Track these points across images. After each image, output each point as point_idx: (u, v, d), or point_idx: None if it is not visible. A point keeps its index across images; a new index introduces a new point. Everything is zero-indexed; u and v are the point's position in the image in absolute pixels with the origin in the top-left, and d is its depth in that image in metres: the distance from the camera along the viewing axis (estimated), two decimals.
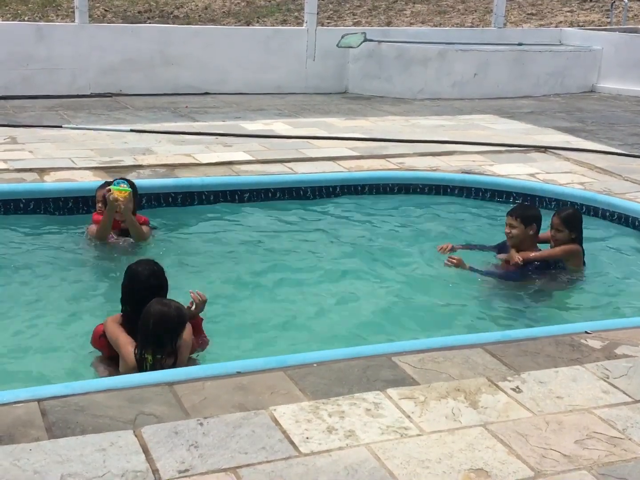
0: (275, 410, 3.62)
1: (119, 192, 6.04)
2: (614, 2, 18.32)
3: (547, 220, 6.12)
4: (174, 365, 4.18)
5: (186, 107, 11.25)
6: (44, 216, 6.90)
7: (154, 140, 8.92)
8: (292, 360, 4.12)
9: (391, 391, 3.83)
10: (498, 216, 7.07)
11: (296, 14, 19.97)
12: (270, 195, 7.62)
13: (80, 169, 7.62)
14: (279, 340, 5.03)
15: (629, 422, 3.65)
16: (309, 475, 3.17)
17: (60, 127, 9.43)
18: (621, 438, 3.52)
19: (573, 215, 6.05)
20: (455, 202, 7.88)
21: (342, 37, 12.83)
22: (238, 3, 21.91)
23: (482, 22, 19.92)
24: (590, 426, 3.61)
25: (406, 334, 5.08)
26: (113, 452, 3.25)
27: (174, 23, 19.17)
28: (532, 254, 5.94)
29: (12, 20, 17.63)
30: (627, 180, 8.07)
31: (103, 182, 6.51)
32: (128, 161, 7.96)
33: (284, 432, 3.45)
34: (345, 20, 20.38)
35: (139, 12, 20.78)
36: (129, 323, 4.37)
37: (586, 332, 4.57)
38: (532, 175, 8.16)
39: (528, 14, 20.78)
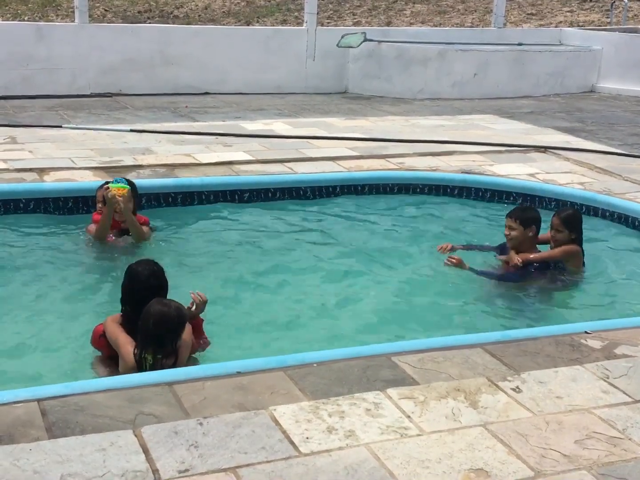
0: (275, 410, 3.62)
1: (117, 189, 6.04)
2: (614, 2, 18.33)
3: (547, 220, 6.12)
4: (174, 365, 4.18)
5: (186, 107, 11.25)
6: (44, 216, 6.89)
7: (154, 140, 8.92)
8: (292, 360, 4.12)
9: (391, 391, 3.83)
10: (498, 216, 7.06)
11: (296, 13, 19.97)
12: (270, 195, 7.62)
13: (80, 168, 7.62)
14: (279, 340, 5.03)
15: (629, 422, 3.65)
16: (308, 475, 3.17)
17: (60, 127, 9.43)
18: (621, 438, 3.52)
19: (573, 215, 6.05)
20: (455, 202, 7.87)
21: (342, 37, 12.83)
22: (238, 3, 21.92)
23: (482, 22, 19.93)
24: (590, 426, 3.61)
25: (406, 334, 5.08)
26: (113, 452, 3.25)
27: (173, 23, 19.17)
28: (532, 256, 5.93)
29: (12, 20, 17.63)
30: (627, 180, 8.07)
31: (103, 182, 6.51)
32: (128, 161, 7.96)
33: (283, 432, 3.45)
34: (345, 20, 20.38)
35: (138, 12, 20.78)
36: (129, 323, 4.37)
37: (586, 332, 4.57)
38: (532, 175, 8.16)
39: (528, 14, 20.78)
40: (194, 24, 18.27)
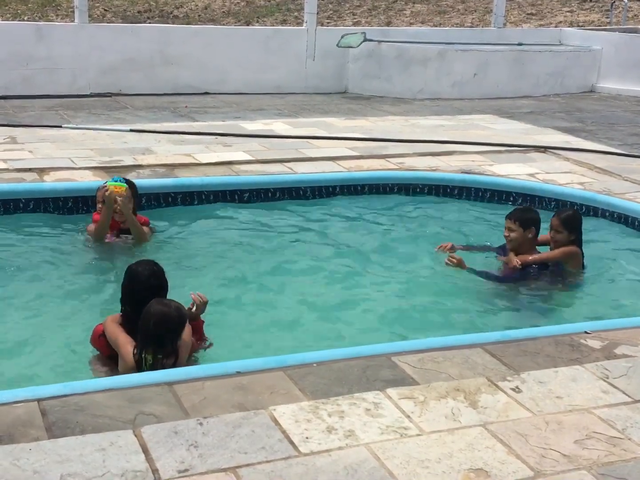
0: (274, 410, 3.62)
1: (115, 187, 6.05)
2: (614, 2, 18.33)
3: (546, 221, 6.12)
4: (174, 365, 4.19)
5: (186, 107, 11.25)
6: (44, 216, 6.89)
7: (154, 140, 8.92)
8: (292, 360, 4.12)
9: (391, 391, 3.83)
10: (498, 216, 7.06)
11: (296, 13, 19.97)
12: (270, 195, 7.62)
13: (80, 168, 7.62)
14: (278, 340, 5.03)
15: (629, 422, 3.66)
16: (308, 475, 3.17)
17: (60, 127, 9.43)
18: (621, 438, 3.53)
19: (573, 216, 6.04)
20: (454, 202, 7.87)
21: (342, 37, 12.83)
22: (238, 3, 21.91)
23: (481, 22, 19.93)
24: (590, 426, 3.61)
25: (406, 334, 5.08)
26: (113, 451, 3.25)
27: (173, 23, 19.17)
28: (530, 258, 5.93)
29: (12, 20, 17.63)
30: (626, 180, 8.07)
31: (104, 182, 6.51)
32: (128, 161, 7.96)
33: (283, 432, 3.46)
34: (345, 20, 20.38)
35: (138, 11, 20.78)
36: (129, 323, 4.37)
37: (586, 332, 4.57)
38: (531, 175, 8.16)
39: (528, 14, 20.78)
40: (194, 24, 18.27)
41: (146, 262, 4.63)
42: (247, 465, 3.22)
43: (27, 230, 6.62)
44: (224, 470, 3.18)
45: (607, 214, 7.33)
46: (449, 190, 7.99)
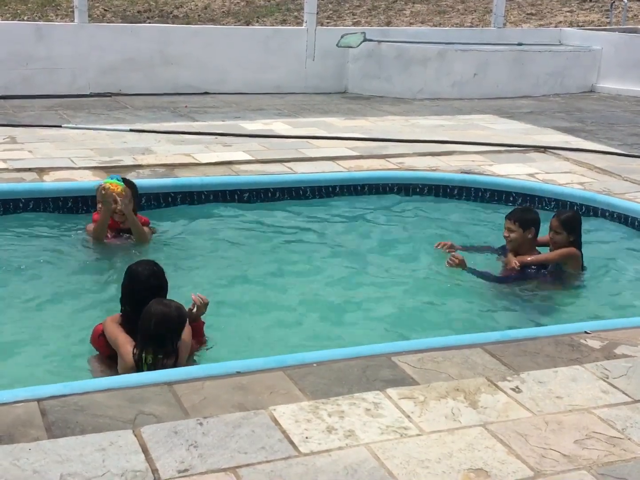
0: (274, 410, 3.62)
1: (112, 185, 6.06)
2: (614, 2, 18.33)
3: (546, 222, 6.12)
4: (173, 365, 4.19)
5: (186, 106, 11.25)
6: (44, 216, 6.89)
7: (154, 140, 8.92)
8: (292, 360, 4.12)
9: (391, 391, 3.83)
10: (497, 216, 7.06)
11: (296, 13, 19.97)
12: (269, 195, 7.62)
13: (79, 168, 7.62)
14: (278, 340, 5.03)
15: (629, 422, 3.66)
16: (308, 475, 3.17)
17: (60, 126, 9.43)
18: (620, 438, 3.53)
19: (572, 217, 6.03)
20: (454, 202, 7.88)
21: (342, 37, 12.83)
22: (237, 3, 21.92)
23: (481, 22, 19.93)
24: (590, 426, 3.61)
25: (406, 334, 5.08)
26: (112, 451, 3.25)
27: (173, 23, 19.18)
28: (529, 258, 5.92)
29: (12, 20, 17.63)
30: (626, 180, 8.07)
31: (102, 181, 6.51)
32: (127, 161, 7.96)
33: (283, 432, 3.46)
34: (344, 20, 20.38)
35: (138, 11, 20.78)
36: (129, 323, 4.37)
37: (585, 332, 4.57)
38: (531, 175, 8.16)
39: (527, 14, 20.78)
40: (194, 24, 18.28)
41: (146, 262, 4.63)
42: (247, 465, 3.22)
43: (27, 230, 6.62)
44: (224, 470, 3.18)
45: (607, 214, 7.33)
46: (448, 190, 7.99)
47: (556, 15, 20.63)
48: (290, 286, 5.86)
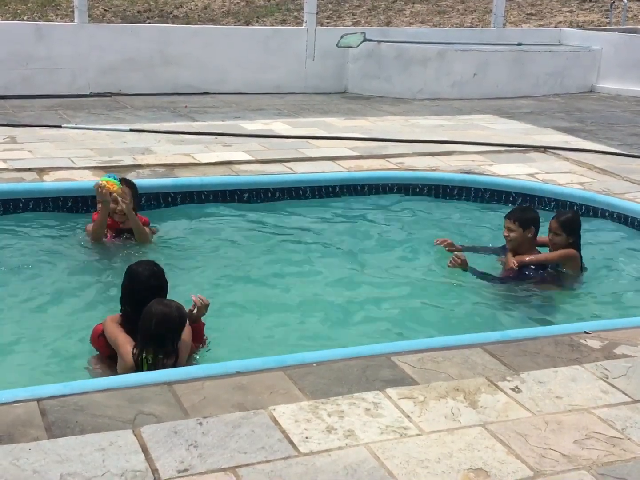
0: (274, 410, 3.62)
1: (108, 182, 6.08)
2: (614, 2, 18.33)
3: (546, 221, 6.12)
4: (173, 365, 4.19)
5: (185, 106, 11.25)
6: (43, 216, 6.89)
7: (154, 140, 8.92)
8: (292, 360, 4.12)
9: (390, 391, 3.83)
10: (497, 216, 7.06)
11: (295, 13, 19.98)
12: (269, 195, 7.62)
13: (79, 168, 7.62)
14: (278, 340, 5.03)
15: (628, 422, 3.66)
16: (308, 475, 3.17)
17: (60, 126, 9.43)
18: (620, 438, 3.53)
19: (572, 219, 6.01)
20: (454, 202, 7.88)
21: (342, 37, 12.83)
22: (237, 3, 21.92)
23: (481, 22, 19.93)
24: (590, 426, 3.61)
25: (405, 334, 5.08)
26: (112, 451, 3.25)
27: (173, 23, 19.18)
28: (527, 258, 5.92)
29: (12, 20, 17.63)
30: (626, 180, 8.07)
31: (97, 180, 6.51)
32: (127, 161, 7.96)
33: (283, 431, 3.46)
34: (344, 20, 20.38)
35: (138, 11, 20.78)
36: (129, 323, 4.37)
37: (585, 332, 4.57)
38: (531, 175, 8.16)
39: (527, 14, 20.78)
40: (194, 24, 18.28)
41: (146, 262, 4.63)
42: (247, 465, 3.22)
43: (27, 230, 6.62)
44: (224, 470, 3.18)
45: (607, 214, 7.33)
46: (448, 190, 7.99)
47: (556, 15, 20.64)
48: (290, 286, 5.86)
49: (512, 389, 3.91)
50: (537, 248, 6.07)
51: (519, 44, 14.08)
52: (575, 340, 4.47)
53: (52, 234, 6.60)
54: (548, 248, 6.07)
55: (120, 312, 4.51)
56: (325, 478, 3.16)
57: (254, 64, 12.61)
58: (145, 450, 3.27)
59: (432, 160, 8.56)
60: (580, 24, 19.32)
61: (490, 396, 3.83)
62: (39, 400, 3.61)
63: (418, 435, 3.49)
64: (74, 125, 9.50)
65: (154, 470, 3.15)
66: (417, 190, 7.98)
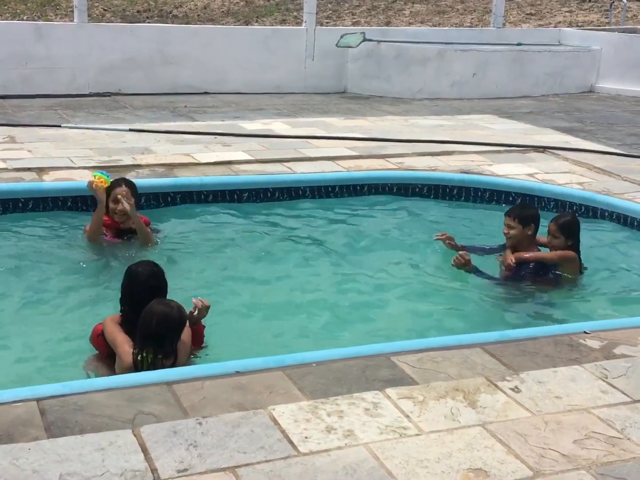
0: (274, 409, 3.62)
1: (98, 177, 6.11)
2: (613, 2, 18.33)
3: (545, 222, 6.12)
4: (172, 365, 4.19)
5: (185, 106, 11.25)
6: (43, 216, 6.89)
7: (153, 140, 8.92)
8: (291, 359, 4.12)
9: (390, 391, 3.83)
10: (497, 216, 7.05)
11: (295, 13, 19.97)
12: (269, 195, 7.62)
13: (79, 168, 7.62)
14: (278, 340, 5.03)
15: (628, 422, 3.66)
16: (307, 475, 3.17)
17: (59, 126, 9.43)
18: (620, 438, 3.53)
19: (570, 222, 6.00)
20: (454, 201, 7.88)
21: (341, 36, 12.83)
22: (237, 3, 21.92)
23: (481, 22, 19.93)
24: (589, 426, 3.61)
25: (405, 334, 5.08)
26: (112, 451, 3.25)
27: (172, 22, 19.17)
28: (526, 255, 5.91)
29: (11, 20, 17.62)
30: (625, 180, 8.07)
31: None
32: (127, 160, 7.96)
33: (282, 431, 3.46)
34: (344, 20, 20.38)
35: (137, 11, 20.78)
36: (128, 323, 4.37)
37: (585, 332, 4.57)
38: (530, 175, 8.16)
39: (527, 14, 20.78)
40: (193, 24, 18.27)
41: (146, 262, 4.63)
42: (247, 464, 3.22)
43: (27, 230, 6.62)
44: (223, 469, 3.18)
45: (606, 214, 7.33)
46: (448, 190, 7.99)
47: (555, 15, 20.64)
48: (290, 286, 5.86)
49: (512, 389, 3.91)
50: (539, 248, 6.06)
51: (519, 44, 14.08)
52: (575, 340, 4.47)
53: (52, 234, 6.59)
54: (548, 249, 6.06)
55: (120, 312, 4.51)
56: (325, 478, 3.16)
57: (254, 64, 12.61)
58: (144, 450, 3.27)
59: (432, 160, 8.56)
60: (579, 24, 19.32)
61: (489, 396, 3.83)
62: (38, 400, 3.60)
63: (417, 435, 3.49)
64: (73, 125, 9.50)
65: (154, 470, 3.15)
66: (417, 190, 7.98)
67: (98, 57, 11.83)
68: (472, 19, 20.60)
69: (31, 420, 3.44)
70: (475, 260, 6.15)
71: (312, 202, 7.63)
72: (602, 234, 7.03)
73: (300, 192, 7.71)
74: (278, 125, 10.07)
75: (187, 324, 4.38)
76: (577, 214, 6.72)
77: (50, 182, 7.20)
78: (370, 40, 12.91)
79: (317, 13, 13.54)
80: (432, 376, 3.99)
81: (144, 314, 4.18)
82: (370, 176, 8.03)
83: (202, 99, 12.01)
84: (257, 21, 20.11)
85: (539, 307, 5.71)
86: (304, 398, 3.74)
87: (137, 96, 11.80)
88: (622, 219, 7.22)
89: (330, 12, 20.95)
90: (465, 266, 5.80)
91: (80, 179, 7.27)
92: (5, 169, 7.48)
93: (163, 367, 4.11)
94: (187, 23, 18.86)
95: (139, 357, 4.14)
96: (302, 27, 13.13)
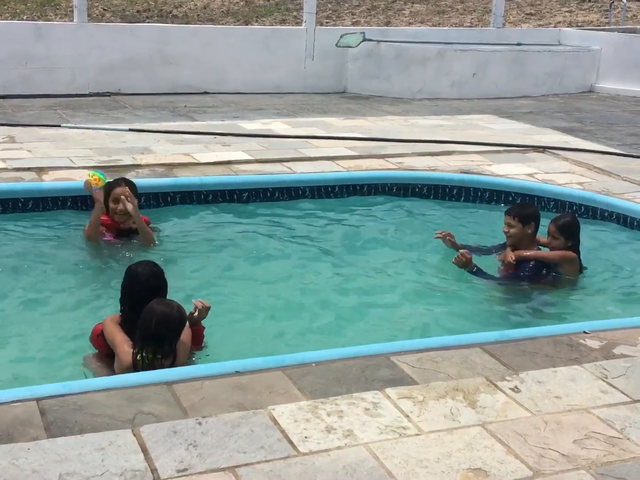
0: (273, 409, 3.62)
1: (92, 176, 6.12)
2: (613, 2, 18.34)
3: (545, 222, 6.11)
4: (171, 366, 4.19)
5: (185, 106, 11.25)
6: (43, 216, 6.89)
7: (153, 140, 8.92)
8: (291, 359, 4.12)
9: (390, 391, 3.83)
10: (497, 216, 7.06)
11: (295, 13, 19.97)
12: (269, 195, 7.61)
13: (78, 168, 7.62)
14: (277, 340, 5.03)
15: (627, 422, 3.66)
16: (307, 475, 3.17)
17: (59, 126, 9.43)
18: (619, 438, 3.53)
19: (570, 223, 5.99)
20: (453, 202, 7.88)
21: (341, 36, 12.83)
22: (237, 2, 21.92)
23: (480, 22, 19.94)
24: (589, 426, 3.61)
25: (404, 334, 5.08)
26: (112, 451, 3.25)
27: (172, 22, 19.17)
28: (526, 253, 5.91)
29: (11, 20, 17.62)
30: (625, 180, 8.07)
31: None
32: (127, 160, 7.96)
33: (282, 431, 3.46)
34: (344, 20, 20.38)
35: (137, 11, 20.78)
36: (128, 323, 4.37)
37: (584, 332, 4.57)
38: (530, 175, 8.16)
39: (527, 14, 20.79)
40: (193, 24, 18.28)
41: (146, 262, 4.63)
42: (246, 464, 3.22)
43: (26, 230, 6.61)
44: (223, 469, 3.18)
45: (606, 214, 7.33)
46: (447, 190, 7.99)
47: (555, 15, 20.64)
48: (290, 286, 5.85)
49: (512, 389, 3.91)
50: (539, 247, 6.06)
51: (519, 44, 14.08)
52: (575, 340, 4.47)
53: (52, 234, 6.59)
54: (548, 249, 6.06)
55: (120, 312, 4.51)
56: (325, 478, 3.16)
57: (254, 64, 12.61)
58: (144, 450, 3.27)
59: (432, 160, 8.57)
60: (579, 24, 19.33)
61: (489, 396, 3.83)
62: (38, 399, 3.60)
63: (417, 435, 3.49)
64: (73, 125, 9.50)
65: (153, 470, 3.15)
66: (417, 190, 7.98)
67: (98, 57, 11.83)
68: (472, 19, 20.61)
69: (31, 420, 3.44)
70: (475, 260, 6.15)
71: (311, 202, 7.63)
72: (602, 234, 7.03)
73: (300, 192, 7.71)
74: (278, 125, 10.07)
75: (187, 324, 4.38)
76: (576, 214, 6.72)
77: (50, 182, 7.20)
78: (370, 40, 12.91)
79: (317, 13, 13.54)
80: (432, 376, 3.99)
81: (143, 313, 4.18)
82: (370, 176, 8.03)
83: (202, 98, 12.01)
84: (256, 21, 20.11)
85: (538, 307, 5.71)
86: (304, 398, 3.74)
87: (136, 96, 11.80)
88: (622, 219, 7.22)
89: (330, 12, 20.95)
90: (466, 264, 5.79)
91: (80, 179, 7.26)
92: (5, 169, 7.48)
93: (162, 367, 4.11)
94: (186, 23, 18.87)
95: (138, 357, 4.15)
96: (302, 27, 13.13)
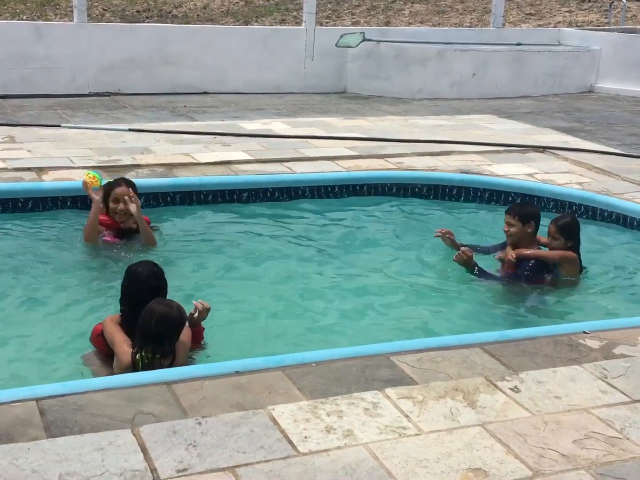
0: (273, 409, 3.62)
1: (89, 176, 6.12)
2: (613, 2, 18.34)
3: (545, 222, 6.11)
4: (171, 365, 4.19)
5: (185, 106, 11.24)
6: (42, 216, 6.89)
7: (153, 140, 8.92)
8: (291, 359, 4.12)
9: (389, 391, 3.83)
10: (496, 216, 7.06)
11: (295, 13, 19.97)
12: (268, 194, 7.62)
13: (78, 168, 7.62)
14: (277, 340, 5.03)
15: (627, 422, 3.66)
16: (307, 475, 3.17)
17: (59, 126, 9.43)
18: (619, 438, 3.53)
19: (570, 223, 5.99)
20: (453, 202, 7.88)
21: (341, 36, 12.83)
22: (237, 2, 21.91)
23: (480, 22, 19.93)
24: (589, 426, 3.61)
25: (404, 334, 5.08)
26: (111, 451, 3.25)
27: (172, 22, 19.17)
28: (527, 251, 5.91)
29: (11, 19, 17.62)
30: (625, 180, 8.07)
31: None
32: (126, 160, 7.96)
33: (282, 431, 3.46)
34: (343, 20, 20.38)
35: (137, 11, 20.77)
36: (128, 323, 4.37)
37: (584, 332, 4.57)
38: (530, 175, 8.16)
39: (527, 14, 20.79)
40: (193, 24, 18.27)
41: (146, 262, 4.63)
42: (246, 464, 3.22)
43: (26, 230, 6.61)
44: (223, 469, 3.18)
45: (606, 214, 7.33)
46: (447, 190, 7.99)
47: (555, 15, 20.64)
48: (289, 286, 5.85)
49: (511, 389, 3.91)
50: (539, 246, 6.05)
51: (518, 44, 14.08)
52: (574, 340, 4.47)
53: (52, 233, 6.59)
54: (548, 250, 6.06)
55: (120, 312, 4.51)
56: (325, 478, 3.16)
57: (253, 64, 12.61)
58: (144, 450, 3.27)
59: (431, 160, 8.57)
60: (579, 24, 19.33)
61: (489, 396, 3.83)
62: (37, 399, 3.60)
63: (417, 435, 3.49)
64: (73, 125, 9.50)
65: (153, 470, 3.15)
66: (416, 190, 7.98)
67: (97, 57, 11.83)
68: (472, 19, 20.61)
69: (30, 420, 3.44)
70: (475, 259, 6.15)
71: (311, 202, 7.63)
72: (601, 234, 7.03)
73: (300, 192, 7.71)
74: (278, 125, 10.07)
75: (187, 324, 4.39)
76: (576, 214, 6.72)
77: (50, 182, 7.20)
78: (369, 40, 12.91)
79: (316, 13, 13.54)
80: (432, 376, 3.99)
81: (143, 313, 4.19)
82: (369, 176, 8.03)
83: (202, 98, 12.01)
84: (256, 21, 20.11)
85: (538, 307, 5.71)
86: (304, 398, 3.74)
87: (136, 96, 11.80)
88: (622, 219, 7.22)
89: (330, 12, 20.95)
90: (467, 262, 5.79)
91: (79, 179, 7.26)
92: (5, 169, 7.48)
93: (161, 366, 4.11)
94: (186, 23, 18.87)
95: (137, 357, 4.15)
96: (302, 27, 13.13)
